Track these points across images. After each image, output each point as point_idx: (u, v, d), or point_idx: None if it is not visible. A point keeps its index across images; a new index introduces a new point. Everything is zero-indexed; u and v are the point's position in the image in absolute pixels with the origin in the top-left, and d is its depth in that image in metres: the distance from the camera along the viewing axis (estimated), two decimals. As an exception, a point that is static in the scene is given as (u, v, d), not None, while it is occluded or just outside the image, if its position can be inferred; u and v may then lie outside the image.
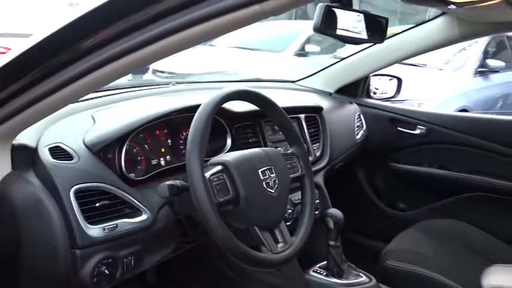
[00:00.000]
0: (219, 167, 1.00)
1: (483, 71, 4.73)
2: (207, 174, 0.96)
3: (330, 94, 2.06)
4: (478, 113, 3.80)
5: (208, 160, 1.05)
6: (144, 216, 0.98)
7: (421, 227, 1.70)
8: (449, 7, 1.36)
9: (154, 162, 1.15)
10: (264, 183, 1.03)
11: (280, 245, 1.04)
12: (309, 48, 6.07)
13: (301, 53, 5.93)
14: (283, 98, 1.61)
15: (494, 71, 4.84)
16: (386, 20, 1.36)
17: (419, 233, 1.65)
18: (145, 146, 1.14)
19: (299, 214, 1.31)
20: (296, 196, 1.38)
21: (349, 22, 1.28)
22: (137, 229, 0.96)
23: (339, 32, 1.25)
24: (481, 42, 4.84)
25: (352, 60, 2.05)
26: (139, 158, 1.12)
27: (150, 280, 1.56)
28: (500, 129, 1.88)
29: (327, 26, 1.20)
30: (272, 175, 1.05)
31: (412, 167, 2.00)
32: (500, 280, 1.07)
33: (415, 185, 2.03)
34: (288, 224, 1.26)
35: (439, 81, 4.39)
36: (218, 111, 1.06)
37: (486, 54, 4.92)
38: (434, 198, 1.95)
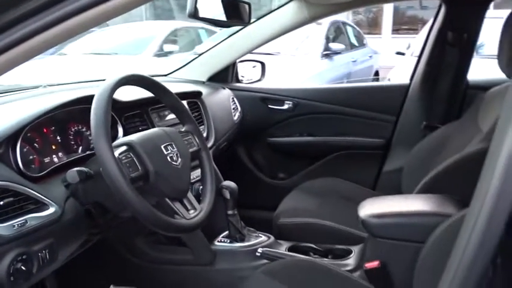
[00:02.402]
0: (124, 147, 1.04)
1: (328, 53, 5.31)
2: (115, 154, 0.99)
3: (203, 83, 2.17)
4: (334, 84, 4.27)
5: None
6: (51, 209, 0.97)
7: (301, 188, 1.91)
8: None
9: (46, 160, 1.13)
10: (168, 157, 1.10)
11: (191, 211, 1.13)
12: (167, 48, 6.09)
13: (161, 53, 5.93)
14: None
15: (337, 53, 5.47)
16: (249, 4, 1.52)
17: (301, 193, 1.86)
18: (35, 144, 1.12)
19: (198, 190, 1.40)
20: (192, 175, 1.46)
21: (219, 7, 1.40)
22: (47, 222, 0.95)
23: (210, 16, 1.37)
24: (322, 29, 5.43)
25: (218, 49, 2.18)
26: (31, 157, 1.09)
27: None
28: (353, 95, 2.21)
29: (198, 12, 1.31)
30: (174, 150, 1.13)
31: (286, 139, 2.23)
32: (372, 208, 1.30)
33: (290, 154, 2.26)
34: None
35: (294, 66, 4.81)
36: None
37: (328, 39, 5.53)
38: (308, 162, 2.20)
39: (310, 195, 1.83)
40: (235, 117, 2.09)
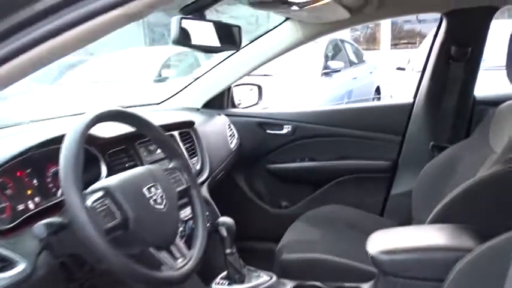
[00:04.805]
0: (100, 193, 0.94)
1: (327, 72, 5.25)
2: (89, 202, 0.89)
3: (198, 109, 2.08)
4: (334, 105, 4.19)
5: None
6: (20, 267, 0.87)
7: (305, 218, 1.80)
8: (292, 8, 1.48)
9: (21, 207, 1.03)
10: (151, 200, 1.00)
11: (179, 260, 1.02)
12: (166, 73, 6.08)
13: (160, 78, 5.90)
14: (152, 119, 1.57)
15: (337, 71, 5.40)
16: (239, 28, 1.43)
17: (305, 224, 1.75)
18: (7, 191, 1.02)
19: (192, 228, 1.29)
20: (184, 213, 1.36)
21: (206, 32, 1.31)
22: (15, 283, 0.85)
23: (195, 42, 1.27)
24: (321, 47, 5.37)
25: (212, 74, 2.10)
26: (2, 205, 0.99)
27: None
28: (355, 116, 2.11)
29: (183, 37, 1.22)
30: (158, 191, 1.02)
31: (286, 165, 2.12)
32: (382, 243, 1.19)
33: (292, 181, 2.15)
34: (182, 242, 1.23)
35: (293, 86, 4.74)
36: (86, 139, 0.99)
37: (327, 57, 5.48)
38: (311, 189, 2.09)
39: (314, 225, 1.72)
40: (232, 145, 1.99)
